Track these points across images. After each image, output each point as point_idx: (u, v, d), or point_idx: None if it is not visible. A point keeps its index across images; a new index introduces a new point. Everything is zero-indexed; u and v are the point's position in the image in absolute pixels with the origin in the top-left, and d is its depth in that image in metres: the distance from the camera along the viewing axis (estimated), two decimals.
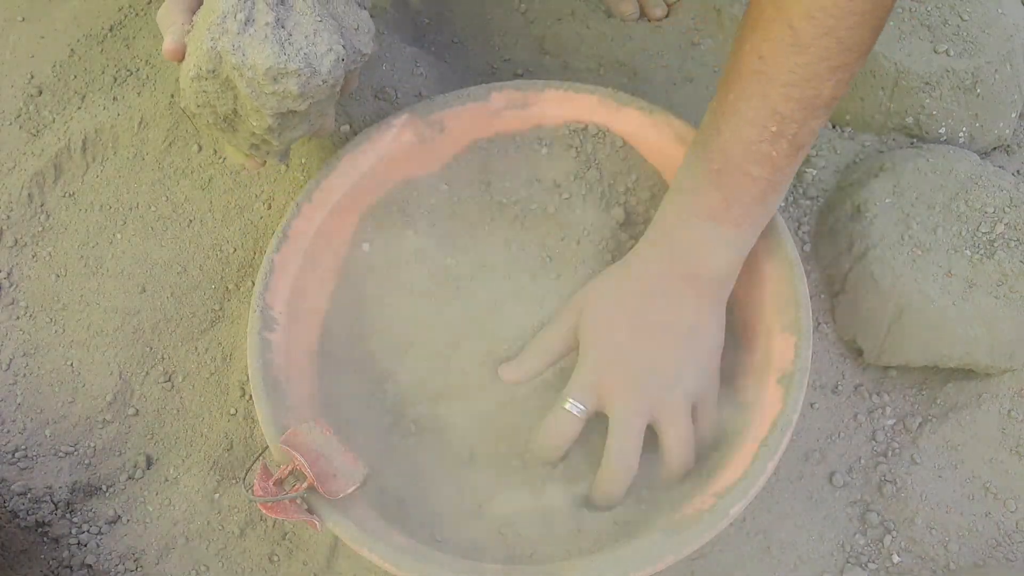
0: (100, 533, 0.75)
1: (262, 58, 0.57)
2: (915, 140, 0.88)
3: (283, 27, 0.58)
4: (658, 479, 0.71)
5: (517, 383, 0.73)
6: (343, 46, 0.59)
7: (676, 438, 0.68)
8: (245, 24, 0.57)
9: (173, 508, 0.76)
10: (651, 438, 0.74)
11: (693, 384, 0.69)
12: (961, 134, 0.87)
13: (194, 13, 0.63)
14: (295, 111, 0.60)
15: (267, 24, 0.57)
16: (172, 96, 0.88)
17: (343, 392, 0.76)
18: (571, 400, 0.70)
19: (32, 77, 0.93)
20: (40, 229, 0.86)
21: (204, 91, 0.61)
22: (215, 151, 0.87)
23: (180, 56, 0.62)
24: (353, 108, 0.87)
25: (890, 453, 0.77)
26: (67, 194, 0.87)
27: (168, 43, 0.62)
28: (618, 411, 0.69)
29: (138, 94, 0.90)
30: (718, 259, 0.69)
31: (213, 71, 0.59)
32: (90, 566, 0.73)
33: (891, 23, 0.87)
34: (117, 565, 0.73)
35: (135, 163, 0.88)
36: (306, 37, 0.58)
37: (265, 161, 0.69)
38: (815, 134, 0.64)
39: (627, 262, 0.72)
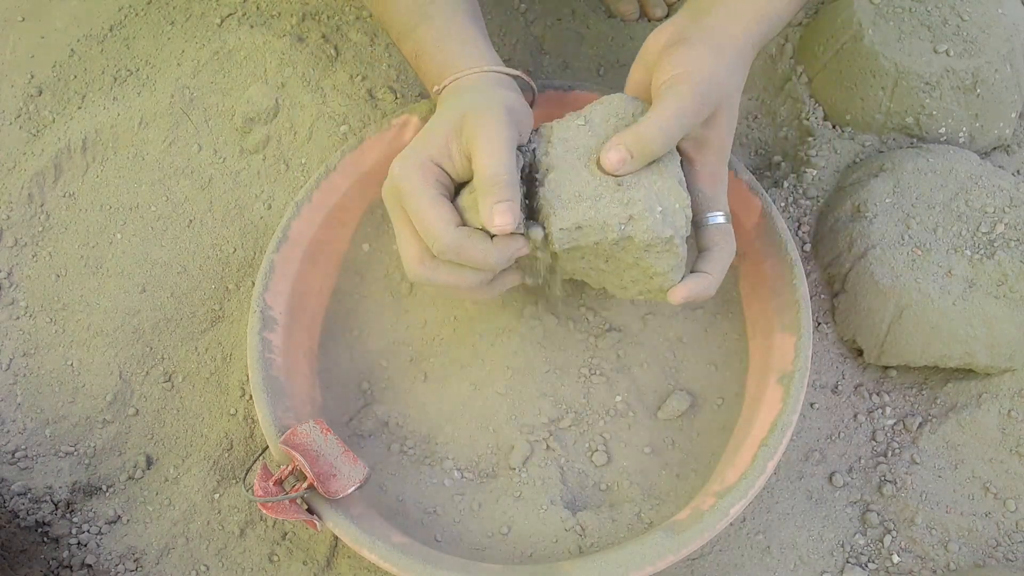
0: (100, 533, 0.75)
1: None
2: (915, 140, 0.88)
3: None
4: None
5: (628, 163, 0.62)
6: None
7: None
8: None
9: (173, 508, 0.76)
10: (659, 445, 0.74)
11: None
12: (961, 134, 0.87)
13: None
14: None
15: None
16: (172, 96, 0.88)
17: (342, 392, 0.77)
18: (718, 213, 0.67)
19: (32, 77, 0.93)
20: (40, 229, 0.86)
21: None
22: (215, 151, 0.87)
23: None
24: (353, 108, 0.87)
25: (890, 453, 0.77)
26: (67, 194, 0.87)
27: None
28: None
29: (138, 94, 0.90)
30: None
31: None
32: (90, 566, 0.73)
33: (891, 23, 0.87)
34: (117, 565, 0.73)
35: (135, 163, 0.88)
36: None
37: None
38: None
39: (734, 56, 0.66)
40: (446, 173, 0.63)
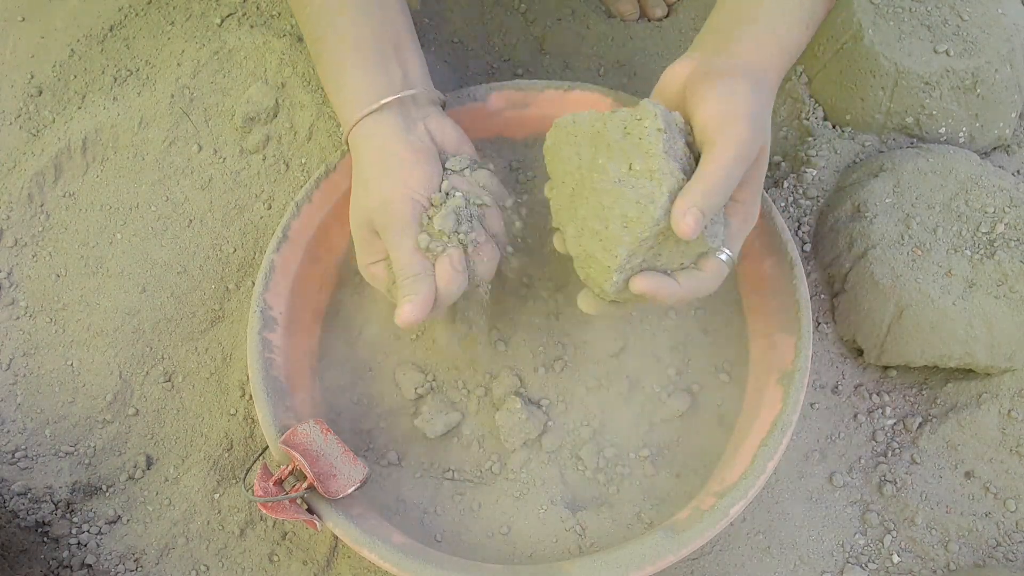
0: (100, 533, 0.75)
1: None
2: (915, 140, 0.88)
3: None
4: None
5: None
6: None
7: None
8: None
9: (173, 508, 0.76)
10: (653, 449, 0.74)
11: None
12: (961, 134, 0.87)
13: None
14: None
15: None
16: (172, 96, 0.88)
17: (342, 391, 0.77)
18: (727, 252, 0.63)
19: (32, 77, 0.93)
20: (40, 229, 0.86)
21: None
22: (215, 151, 0.87)
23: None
24: None
25: (890, 453, 0.77)
26: (67, 194, 0.87)
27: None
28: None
29: (138, 94, 0.90)
30: None
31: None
32: (90, 566, 0.73)
33: (891, 23, 0.87)
34: (117, 565, 0.73)
35: (135, 163, 0.88)
36: None
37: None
38: None
39: (768, 89, 0.65)
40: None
